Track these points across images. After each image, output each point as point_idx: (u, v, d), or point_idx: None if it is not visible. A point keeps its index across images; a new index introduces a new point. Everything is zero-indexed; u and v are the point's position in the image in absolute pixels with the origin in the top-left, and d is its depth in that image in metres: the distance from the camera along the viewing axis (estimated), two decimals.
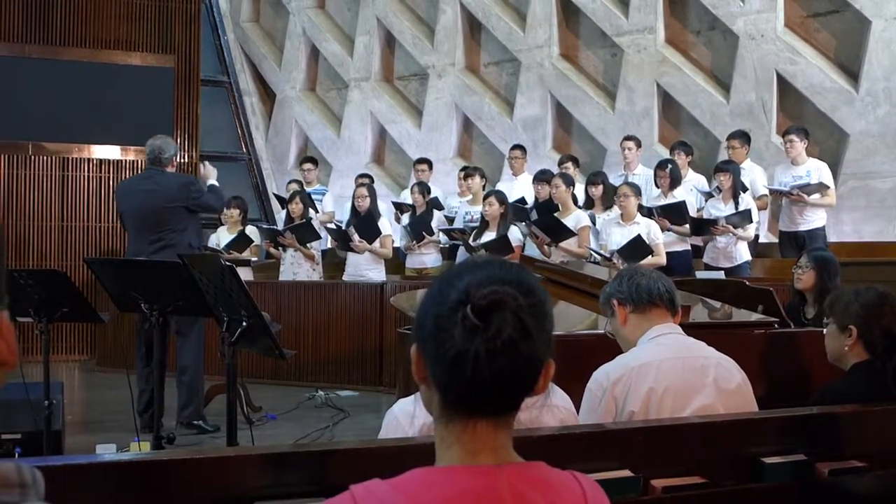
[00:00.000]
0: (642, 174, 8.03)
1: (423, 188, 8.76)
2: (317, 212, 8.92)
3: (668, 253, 7.01)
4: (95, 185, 10.45)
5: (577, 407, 2.53)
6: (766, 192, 7.54)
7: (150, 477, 1.82)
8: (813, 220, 7.23)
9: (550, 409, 2.32)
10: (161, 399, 4.72)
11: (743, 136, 7.73)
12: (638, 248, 6.63)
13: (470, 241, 7.59)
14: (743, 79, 8.53)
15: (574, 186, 7.55)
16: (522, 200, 8.22)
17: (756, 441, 2.36)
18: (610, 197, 7.48)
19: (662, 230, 7.04)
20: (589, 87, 9.68)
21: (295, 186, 9.26)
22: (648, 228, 6.88)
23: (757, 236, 7.65)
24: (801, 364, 3.65)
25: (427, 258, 8.45)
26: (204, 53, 11.45)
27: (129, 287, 4.49)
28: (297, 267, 8.25)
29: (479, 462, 1.18)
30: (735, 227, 6.93)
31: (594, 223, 7.42)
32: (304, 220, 8.14)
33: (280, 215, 9.37)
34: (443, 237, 8.55)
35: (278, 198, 9.99)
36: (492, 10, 10.28)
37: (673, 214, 7.16)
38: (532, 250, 7.34)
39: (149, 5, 10.81)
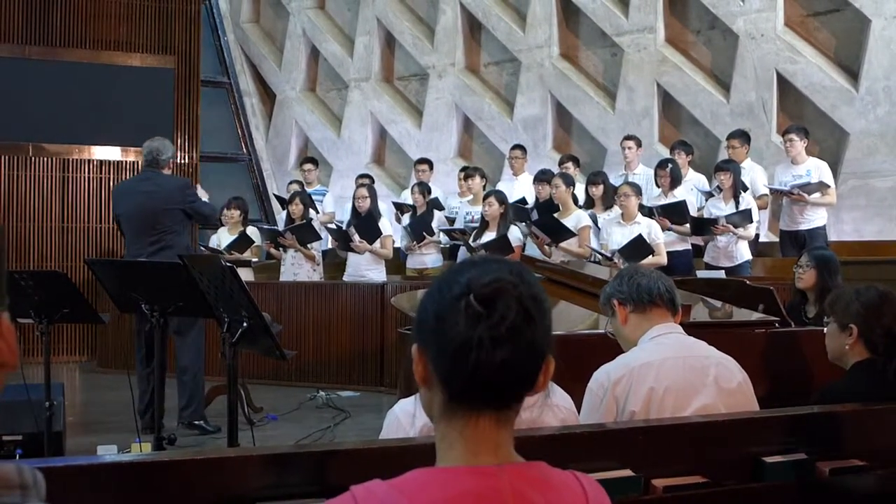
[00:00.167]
0: (643, 174, 8.03)
1: (424, 188, 8.75)
2: (317, 212, 8.92)
3: (668, 252, 7.01)
4: (96, 186, 10.45)
5: (578, 407, 2.53)
6: (767, 191, 7.54)
7: (151, 478, 1.82)
8: (813, 219, 7.23)
9: (551, 408, 2.32)
10: (161, 400, 4.72)
11: (743, 136, 7.73)
12: (639, 247, 6.64)
13: (470, 241, 7.58)
14: (743, 78, 8.53)
15: (574, 186, 7.55)
16: (523, 201, 8.22)
17: (757, 440, 2.36)
18: (610, 197, 7.48)
19: (663, 230, 7.04)
20: (589, 87, 9.68)
21: (295, 187, 9.26)
22: (649, 228, 6.88)
23: (757, 235, 7.64)
24: (802, 363, 3.65)
25: (427, 258, 8.44)
26: (204, 54, 11.45)
27: (129, 288, 4.49)
28: (297, 267, 8.25)
29: (480, 462, 1.17)
30: (735, 227, 6.93)
31: (596, 223, 7.42)
32: (305, 221, 8.14)
33: (280, 216, 9.37)
34: (443, 237, 8.54)
35: (279, 198, 9.99)
36: (492, 10, 10.28)
37: (673, 214, 7.16)
38: (532, 250, 7.34)
39: (149, 6, 10.81)
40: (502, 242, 7.15)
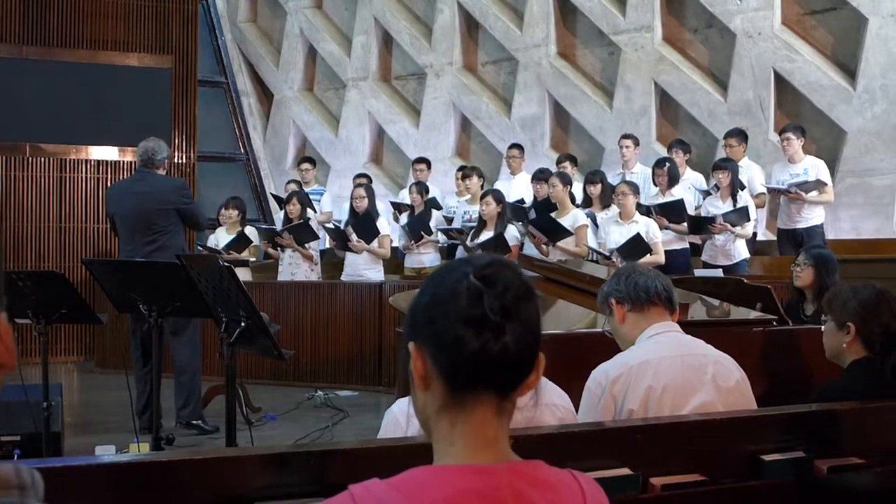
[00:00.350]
0: (640, 173, 8.03)
1: (422, 188, 8.75)
2: (315, 212, 8.91)
3: (666, 251, 7.02)
4: (93, 187, 10.45)
5: (577, 406, 2.53)
6: (764, 189, 7.54)
7: (149, 478, 1.82)
8: (811, 217, 7.23)
9: (549, 407, 2.32)
10: (159, 400, 4.72)
11: (740, 135, 7.73)
12: (637, 246, 6.64)
13: (467, 241, 7.59)
14: (740, 77, 8.53)
15: (571, 185, 7.55)
16: (521, 201, 8.22)
17: (755, 438, 2.36)
18: (608, 196, 7.49)
19: (661, 228, 7.04)
20: (587, 86, 9.68)
21: (293, 187, 9.25)
22: (647, 227, 6.89)
23: (755, 234, 7.66)
24: (800, 361, 3.66)
25: (425, 258, 8.44)
26: (201, 54, 11.45)
27: (127, 288, 4.49)
28: (295, 267, 8.25)
29: (479, 461, 1.18)
30: (733, 225, 6.94)
31: (594, 222, 7.42)
32: (302, 221, 8.13)
33: (278, 216, 9.37)
34: (441, 237, 8.55)
35: (276, 198, 9.98)
36: (489, 9, 10.28)
37: (671, 213, 7.17)
38: (530, 249, 7.34)
39: (146, 6, 10.81)
40: (499, 242, 7.15)
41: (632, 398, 2.53)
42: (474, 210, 8.02)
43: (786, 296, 4.84)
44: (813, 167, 7.21)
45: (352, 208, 8.35)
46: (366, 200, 8.19)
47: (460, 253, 8.01)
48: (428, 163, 9.46)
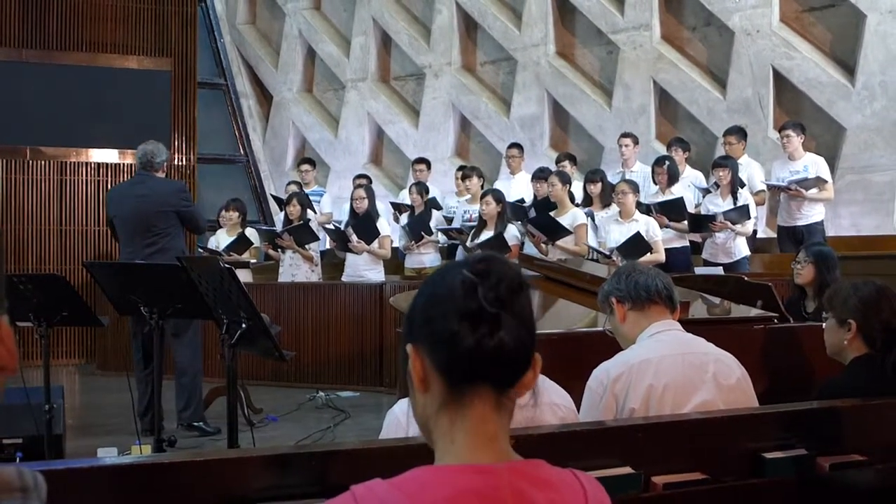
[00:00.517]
0: (640, 171, 8.03)
1: (422, 188, 8.75)
2: (315, 213, 8.92)
3: (666, 249, 7.02)
4: (94, 189, 10.46)
5: (578, 405, 2.53)
6: (764, 187, 7.54)
7: (151, 480, 1.83)
8: (811, 214, 7.23)
9: (550, 406, 2.32)
10: (160, 402, 4.73)
11: (739, 132, 7.73)
12: (637, 245, 6.64)
13: (467, 241, 7.58)
14: (739, 74, 8.53)
15: (570, 184, 7.55)
16: (521, 200, 8.22)
17: (757, 436, 2.36)
18: (608, 194, 7.48)
19: (661, 227, 7.04)
20: (585, 85, 9.69)
21: (293, 188, 9.25)
22: (647, 225, 6.89)
23: (755, 231, 7.65)
24: (801, 359, 3.66)
25: (426, 258, 8.45)
26: (200, 56, 11.45)
27: (128, 290, 4.49)
28: (295, 268, 8.25)
29: (480, 460, 1.18)
30: (733, 223, 6.93)
31: (593, 221, 7.42)
32: (302, 222, 8.14)
33: (278, 217, 9.37)
34: (441, 237, 8.55)
35: (276, 199, 9.98)
36: (488, 9, 10.28)
37: (671, 211, 7.16)
38: (531, 249, 7.34)
39: (145, 9, 10.81)
40: (498, 241, 7.15)
41: (633, 397, 2.53)
42: (474, 210, 8.02)
43: (786, 293, 4.84)
44: (813, 164, 7.21)
45: (352, 209, 8.35)
46: (366, 201, 8.19)
47: (460, 253, 8.01)
48: (428, 163, 9.46)
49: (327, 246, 9.06)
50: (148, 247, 5.73)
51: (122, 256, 5.97)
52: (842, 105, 7.95)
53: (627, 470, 2.13)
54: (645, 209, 7.16)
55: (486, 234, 7.38)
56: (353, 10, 11.54)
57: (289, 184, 9.79)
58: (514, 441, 1.23)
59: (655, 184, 7.56)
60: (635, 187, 7.08)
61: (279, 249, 8.37)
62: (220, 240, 8.35)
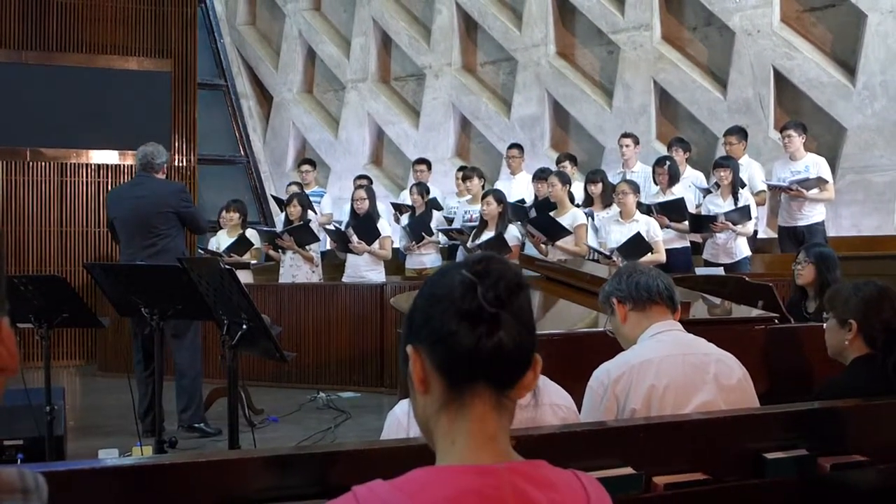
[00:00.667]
0: (641, 171, 8.03)
1: (422, 189, 8.75)
2: (315, 214, 8.92)
3: (667, 250, 7.02)
4: (94, 191, 10.46)
5: (579, 405, 2.53)
6: (765, 187, 7.54)
7: (152, 481, 1.83)
8: (812, 214, 7.23)
9: (551, 407, 2.32)
10: (161, 403, 4.73)
11: (740, 132, 7.72)
12: (637, 245, 6.64)
13: (468, 242, 7.58)
14: (740, 74, 8.53)
15: (570, 184, 7.55)
16: (522, 201, 8.22)
17: (758, 437, 2.36)
18: (609, 195, 7.48)
19: (661, 227, 7.04)
20: (586, 85, 9.69)
21: (294, 189, 9.25)
22: (648, 226, 6.89)
23: (756, 232, 7.64)
24: (802, 359, 3.65)
25: (426, 259, 8.45)
26: (200, 57, 11.46)
27: (128, 292, 4.49)
28: (296, 269, 8.25)
29: (481, 460, 1.18)
30: (734, 224, 6.93)
31: (593, 220, 7.42)
32: (303, 223, 8.14)
33: (279, 218, 9.38)
34: (442, 237, 8.54)
35: (277, 200, 9.98)
36: (488, 9, 10.28)
37: (672, 211, 7.16)
38: (531, 249, 7.34)
39: (145, 10, 10.82)
40: (499, 242, 7.15)
41: (634, 397, 2.53)
42: (475, 210, 8.03)
43: (787, 293, 4.84)
44: (814, 164, 7.20)
45: (352, 210, 8.35)
46: (366, 202, 8.19)
47: (461, 254, 8.01)
48: (428, 163, 9.46)
49: (328, 247, 9.06)
50: (148, 248, 5.73)
51: (122, 258, 5.97)
52: (842, 105, 7.95)
53: (628, 470, 2.13)
54: (646, 209, 7.16)
55: (487, 235, 7.38)
56: (353, 10, 11.54)
57: (289, 184, 9.79)
58: (514, 441, 1.23)
59: (656, 184, 7.56)
60: (636, 188, 7.08)
61: (280, 250, 8.37)
62: (221, 241, 8.35)
